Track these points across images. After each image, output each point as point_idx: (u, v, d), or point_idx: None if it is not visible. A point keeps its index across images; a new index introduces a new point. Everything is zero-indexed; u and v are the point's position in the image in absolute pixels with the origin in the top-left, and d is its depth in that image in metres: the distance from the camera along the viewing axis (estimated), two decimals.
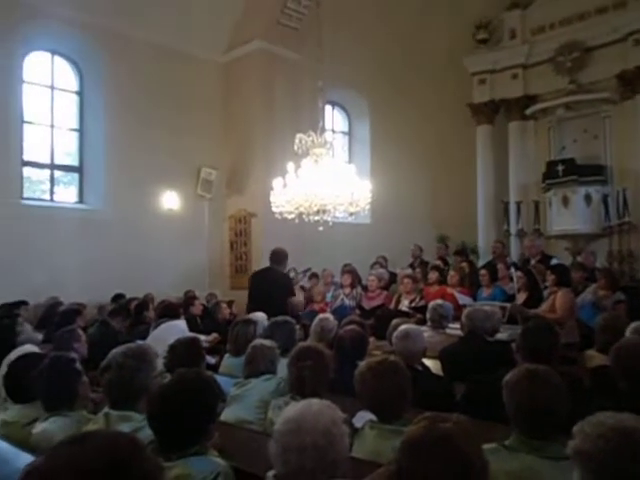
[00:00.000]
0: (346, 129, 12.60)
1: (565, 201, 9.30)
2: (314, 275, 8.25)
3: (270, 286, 5.82)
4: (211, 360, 4.71)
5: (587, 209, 9.25)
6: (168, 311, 5.33)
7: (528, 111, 10.30)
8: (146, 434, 2.03)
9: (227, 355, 4.25)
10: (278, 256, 6.16)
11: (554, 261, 7.31)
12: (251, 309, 5.91)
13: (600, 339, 3.64)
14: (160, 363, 2.94)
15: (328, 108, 11.79)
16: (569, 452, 1.53)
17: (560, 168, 9.28)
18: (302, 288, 7.95)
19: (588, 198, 9.23)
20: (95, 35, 8.70)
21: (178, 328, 4.89)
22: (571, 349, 4.37)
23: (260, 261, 8.10)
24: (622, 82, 9.17)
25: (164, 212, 9.38)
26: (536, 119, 10.39)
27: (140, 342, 3.50)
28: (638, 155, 8.99)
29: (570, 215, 9.29)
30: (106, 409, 2.45)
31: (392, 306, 6.51)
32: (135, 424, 2.30)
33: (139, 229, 8.97)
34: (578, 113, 9.83)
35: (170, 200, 9.43)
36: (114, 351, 2.55)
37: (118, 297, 7.68)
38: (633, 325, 3.46)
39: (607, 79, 9.36)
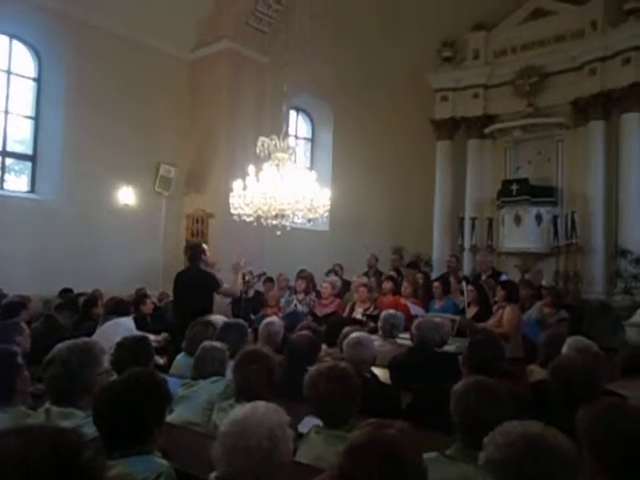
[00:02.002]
0: (309, 135, 12.67)
1: (517, 219, 9.59)
2: (269, 279, 8.22)
3: (190, 285, 5.56)
4: (159, 360, 4.64)
5: (537, 229, 9.56)
6: (118, 308, 5.22)
7: (487, 130, 10.58)
8: (87, 432, 1.98)
9: (182, 354, 4.18)
10: (193, 252, 5.84)
11: (503, 277, 7.53)
12: (175, 311, 5.83)
13: (542, 354, 3.76)
14: (106, 361, 2.88)
15: (292, 113, 11.83)
16: (480, 462, 1.59)
17: (514, 187, 9.57)
18: (257, 292, 7.93)
19: (539, 218, 9.54)
20: (58, 21, 8.46)
21: (124, 326, 4.79)
22: (516, 364, 4.49)
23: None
24: (576, 109, 9.52)
25: (120, 207, 9.19)
26: (494, 138, 10.67)
27: (86, 338, 3.42)
28: (587, 180, 9.35)
29: (521, 233, 9.59)
30: (47, 405, 2.38)
31: (346, 314, 6.55)
32: (76, 421, 2.24)
33: (92, 223, 8.77)
34: (534, 135, 10.16)
35: (127, 195, 9.26)
36: (59, 346, 2.49)
37: (65, 291, 7.48)
38: (569, 341, 3.47)
39: (562, 105, 9.70)
